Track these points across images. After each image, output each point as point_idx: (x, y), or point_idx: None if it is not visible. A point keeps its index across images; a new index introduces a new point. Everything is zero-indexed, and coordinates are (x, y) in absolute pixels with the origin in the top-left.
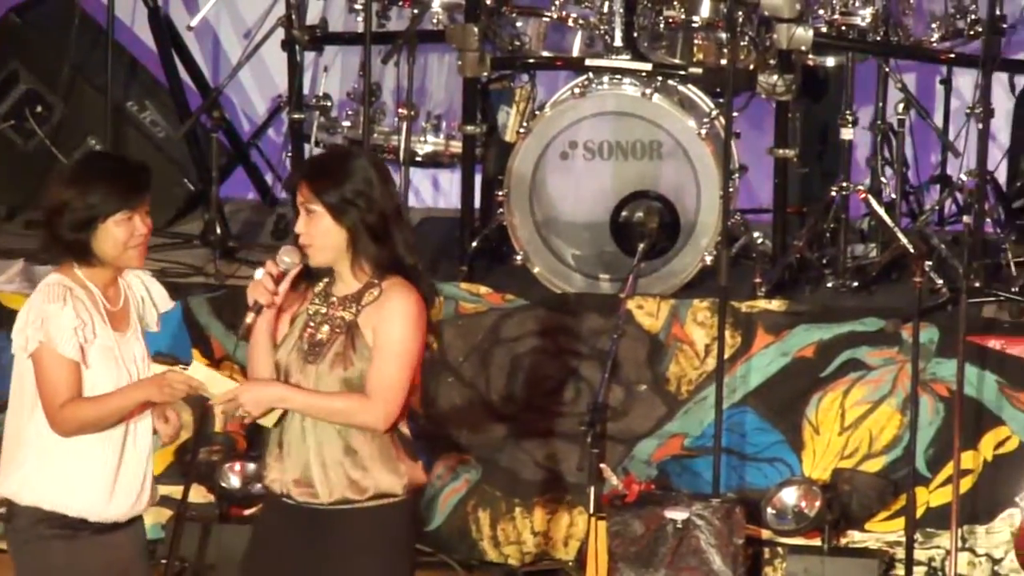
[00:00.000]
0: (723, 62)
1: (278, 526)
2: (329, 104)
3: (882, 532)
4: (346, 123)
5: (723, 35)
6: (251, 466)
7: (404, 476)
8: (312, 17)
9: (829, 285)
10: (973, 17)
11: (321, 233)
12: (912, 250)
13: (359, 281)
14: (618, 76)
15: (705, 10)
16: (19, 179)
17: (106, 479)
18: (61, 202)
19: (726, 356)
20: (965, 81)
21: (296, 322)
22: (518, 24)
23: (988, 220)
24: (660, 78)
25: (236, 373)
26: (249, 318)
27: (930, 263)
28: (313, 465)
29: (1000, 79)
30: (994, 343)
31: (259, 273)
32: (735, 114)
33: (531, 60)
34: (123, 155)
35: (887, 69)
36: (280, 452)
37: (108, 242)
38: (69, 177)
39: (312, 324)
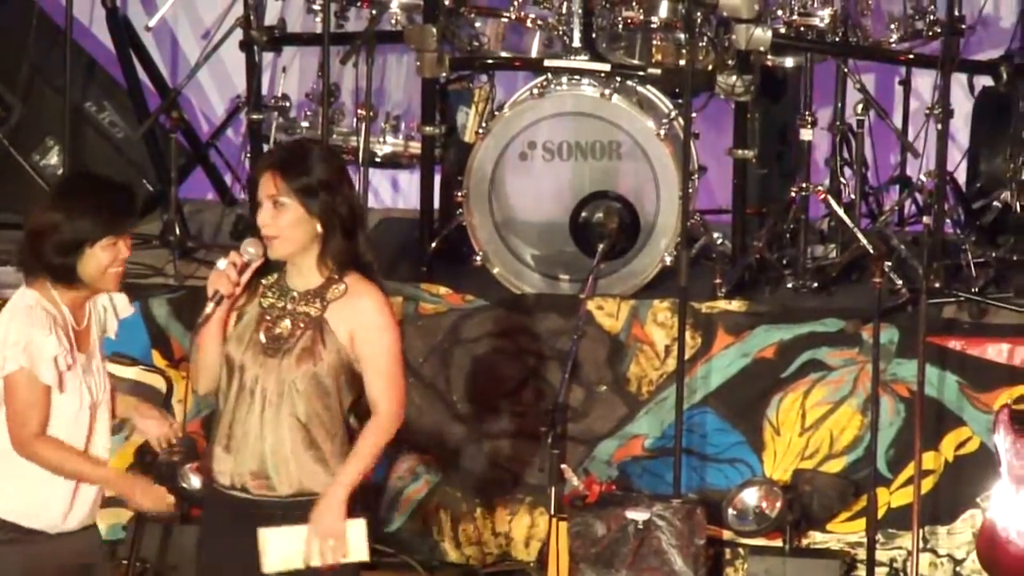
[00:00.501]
0: (682, 63)
1: (227, 520)
2: (288, 104)
3: (843, 533)
4: (305, 124)
5: (681, 36)
6: None
7: None
8: (271, 18)
9: (789, 286)
10: (932, 18)
11: (289, 224)
12: (872, 251)
13: (320, 276)
14: (577, 77)
15: (663, 11)
16: None
17: (66, 497)
18: (49, 225)
19: (686, 357)
20: (924, 82)
21: (245, 316)
22: (476, 25)
23: (948, 221)
24: (619, 79)
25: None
26: (209, 308)
27: (890, 264)
28: (271, 458)
29: (959, 80)
30: (954, 344)
31: (221, 263)
32: (694, 115)
33: (490, 61)
34: (109, 177)
35: (846, 70)
36: (230, 444)
37: (92, 265)
38: (56, 199)
39: (268, 318)
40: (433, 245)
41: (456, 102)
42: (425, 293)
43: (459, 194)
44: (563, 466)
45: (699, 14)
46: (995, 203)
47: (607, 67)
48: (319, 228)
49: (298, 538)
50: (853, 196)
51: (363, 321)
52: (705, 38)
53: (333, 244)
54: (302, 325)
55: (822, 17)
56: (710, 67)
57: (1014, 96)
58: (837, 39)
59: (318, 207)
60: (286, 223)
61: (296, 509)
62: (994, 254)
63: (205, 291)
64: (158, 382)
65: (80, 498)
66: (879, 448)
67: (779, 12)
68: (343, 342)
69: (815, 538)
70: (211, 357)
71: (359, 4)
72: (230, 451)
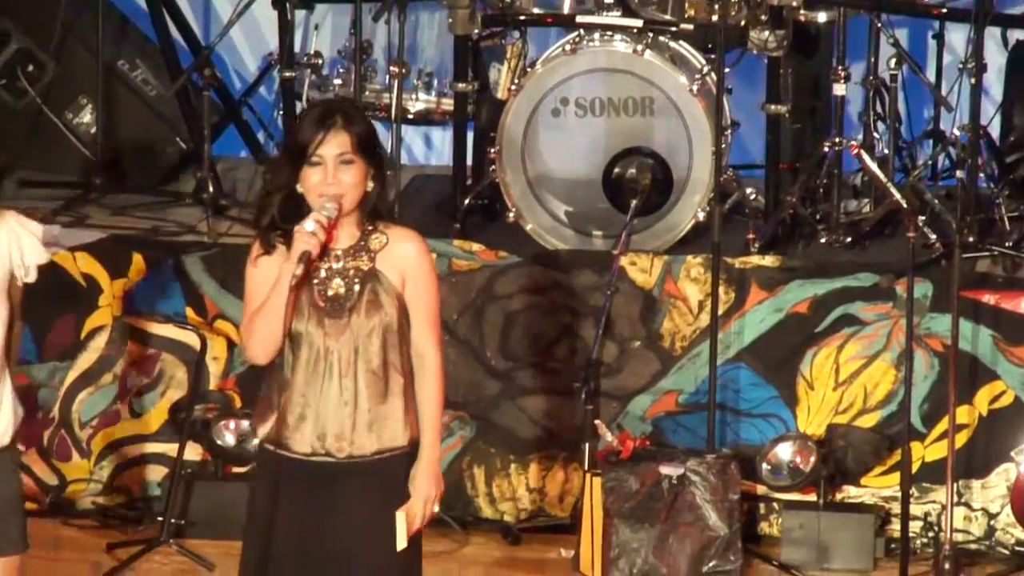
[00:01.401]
0: (714, 18)
1: (305, 487)
2: (320, 62)
3: (877, 487)
4: (337, 81)
5: None
6: (245, 424)
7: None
8: None
9: (822, 241)
10: None
11: (356, 181)
12: (905, 205)
13: (358, 230)
14: (609, 32)
15: None
16: (10, 138)
17: None
18: None
19: (720, 312)
20: (958, 36)
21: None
22: None
23: (981, 175)
24: (651, 34)
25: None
26: (299, 269)
27: (923, 218)
28: (354, 417)
29: (993, 33)
30: (988, 298)
31: (309, 225)
32: (727, 70)
33: (522, 17)
34: None
35: (879, 24)
36: (306, 411)
37: None
38: None
39: (316, 281)
40: (466, 202)
41: (489, 58)
42: (458, 250)
43: (492, 151)
44: (597, 422)
45: None
46: None
47: (640, 23)
48: (371, 183)
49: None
50: (886, 151)
51: (412, 265)
52: None
53: (378, 196)
54: (357, 280)
55: None
56: (743, 22)
57: None
58: None
59: (374, 161)
60: (354, 180)
61: (382, 466)
62: None
63: (239, 248)
64: (192, 339)
65: None
66: (913, 402)
67: None
68: (398, 289)
69: (849, 492)
70: (281, 326)
71: None
72: (307, 419)
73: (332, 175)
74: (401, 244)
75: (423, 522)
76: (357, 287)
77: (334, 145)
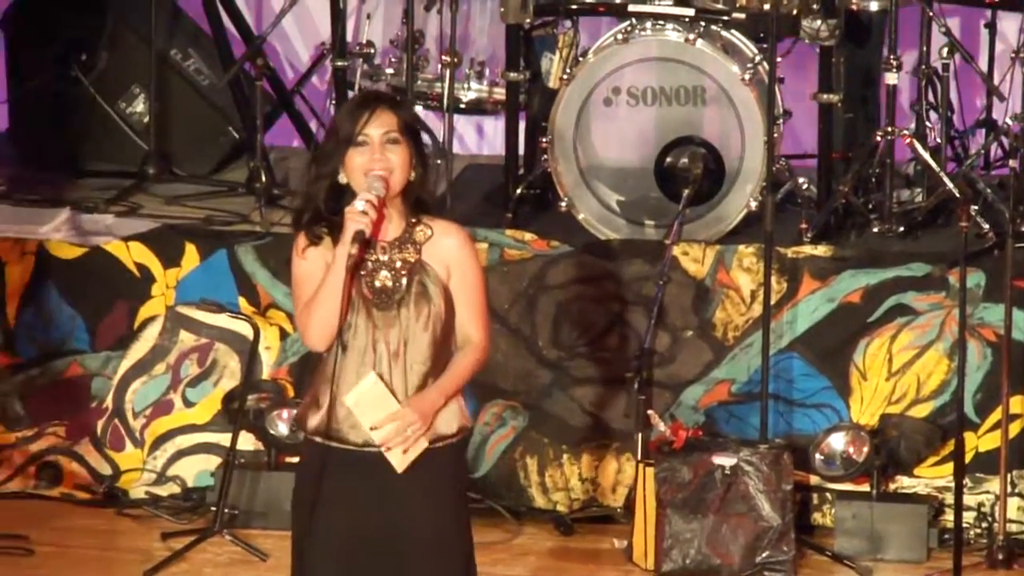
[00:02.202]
0: (766, 7)
1: (355, 478)
2: (372, 51)
3: (931, 478)
4: (389, 70)
5: None
6: None
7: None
8: None
9: (875, 230)
10: None
11: (401, 162)
12: (958, 195)
13: (401, 222)
14: (661, 22)
15: None
16: (64, 128)
17: None
18: None
19: (772, 302)
20: (1010, 24)
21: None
22: None
23: None
24: (703, 23)
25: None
26: (355, 249)
27: (976, 207)
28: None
29: None
30: None
31: (359, 204)
32: (779, 59)
33: (574, 6)
34: None
35: (931, 13)
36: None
37: None
38: None
39: (363, 273)
40: (518, 191)
41: (540, 48)
42: (510, 239)
43: (544, 140)
44: (649, 412)
45: None
46: None
47: (691, 12)
48: (416, 168)
49: (386, 407)
50: (939, 140)
51: (457, 258)
52: None
53: (422, 185)
54: (404, 272)
55: None
56: (795, 11)
57: None
58: None
59: (417, 148)
60: (400, 160)
61: (434, 456)
62: None
63: (290, 238)
64: (245, 329)
65: None
66: (966, 392)
67: None
68: (444, 281)
69: (902, 483)
70: (337, 311)
71: None
72: (351, 414)
73: (379, 152)
74: (445, 237)
75: (382, 442)
76: (405, 279)
77: (380, 124)
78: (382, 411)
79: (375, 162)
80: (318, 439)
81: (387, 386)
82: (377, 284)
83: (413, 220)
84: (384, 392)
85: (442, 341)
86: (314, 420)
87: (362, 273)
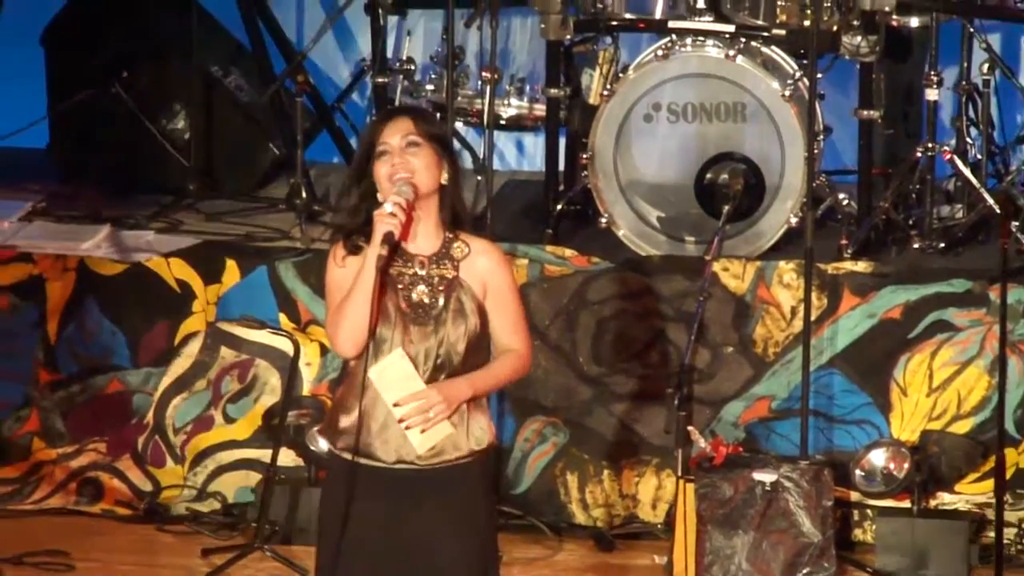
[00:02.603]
0: (807, 23)
1: (382, 495)
2: (412, 68)
3: (971, 494)
4: (430, 87)
5: None
6: None
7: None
8: None
9: (915, 246)
10: None
11: (423, 166)
12: (998, 210)
13: (438, 237)
14: (701, 38)
15: None
16: (105, 145)
17: None
18: None
19: (813, 318)
20: None
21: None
22: None
23: None
24: (743, 39)
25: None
26: (384, 250)
27: (1017, 223)
28: (441, 426)
29: None
30: None
31: (388, 206)
32: (819, 75)
33: (614, 23)
34: None
35: (971, 29)
36: (389, 419)
37: None
38: None
39: (400, 286)
40: (558, 207)
41: (581, 64)
42: (551, 255)
43: (584, 156)
44: (690, 428)
45: None
46: None
47: (731, 28)
48: (445, 177)
49: (410, 386)
50: (979, 156)
51: (494, 275)
52: None
53: (454, 198)
54: (441, 288)
55: None
56: (835, 27)
57: None
58: None
59: (446, 154)
60: (421, 163)
61: (465, 471)
62: None
63: (328, 255)
64: (285, 345)
65: None
66: (1007, 409)
67: None
68: (480, 298)
69: (943, 499)
70: (367, 314)
71: None
72: (390, 427)
73: (399, 157)
74: (482, 255)
75: (404, 418)
76: (443, 296)
77: (397, 130)
78: (405, 389)
79: (396, 167)
80: (347, 456)
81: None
82: (414, 298)
83: (450, 235)
84: (410, 370)
85: (475, 358)
86: (343, 435)
87: (399, 286)
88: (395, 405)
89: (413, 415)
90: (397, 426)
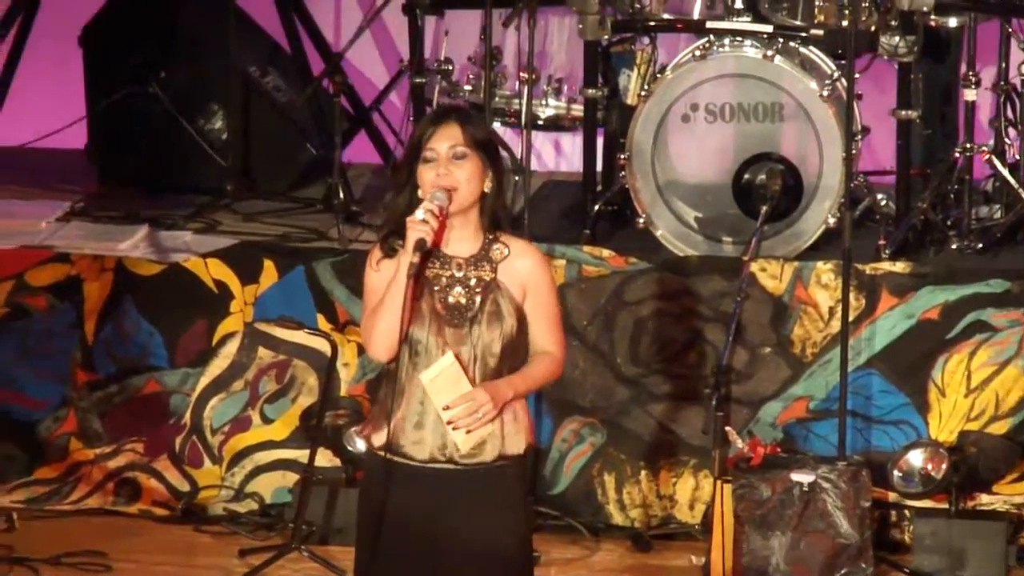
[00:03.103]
0: (845, 23)
1: (419, 493)
2: (450, 68)
3: (1010, 494)
4: (467, 87)
5: None
6: None
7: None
8: None
9: (954, 247)
10: None
11: (469, 177)
12: None
13: (477, 239)
14: (739, 38)
15: None
16: (143, 145)
17: None
18: None
19: (851, 318)
20: None
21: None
22: None
23: None
24: (781, 40)
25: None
26: (416, 257)
27: None
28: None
29: None
30: None
31: (419, 213)
32: (857, 76)
33: (652, 23)
34: None
35: (1010, 29)
36: (424, 419)
37: None
38: None
39: (437, 288)
40: (596, 208)
41: (618, 64)
42: (588, 256)
43: (622, 157)
44: (727, 428)
45: None
46: None
47: (769, 28)
48: (489, 184)
49: (459, 388)
50: (1017, 156)
51: (532, 278)
52: None
53: (497, 202)
54: (478, 290)
55: None
56: (873, 28)
57: None
58: None
59: (491, 161)
60: (466, 175)
61: (501, 473)
62: None
63: (365, 256)
64: (323, 345)
65: None
66: None
67: None
68: (519, 301)
69: (981, 500)
70: (399, 319)
71: None
72: (425, 426)
73: (444, 167)
74: (522, 258)
75: (453, 418)
76: (479, 297)
77: (446, 138)
78: (454, 392)
79: (441, 177)
80: (381, 454)
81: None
82: (451, 300)
83: (490, 237)
84: (459, 373)
85: (512, 360)
86: (379, 436)
87: (436, 288)
88: (445, 408)
89: (462, 416)
90: (431, 426)
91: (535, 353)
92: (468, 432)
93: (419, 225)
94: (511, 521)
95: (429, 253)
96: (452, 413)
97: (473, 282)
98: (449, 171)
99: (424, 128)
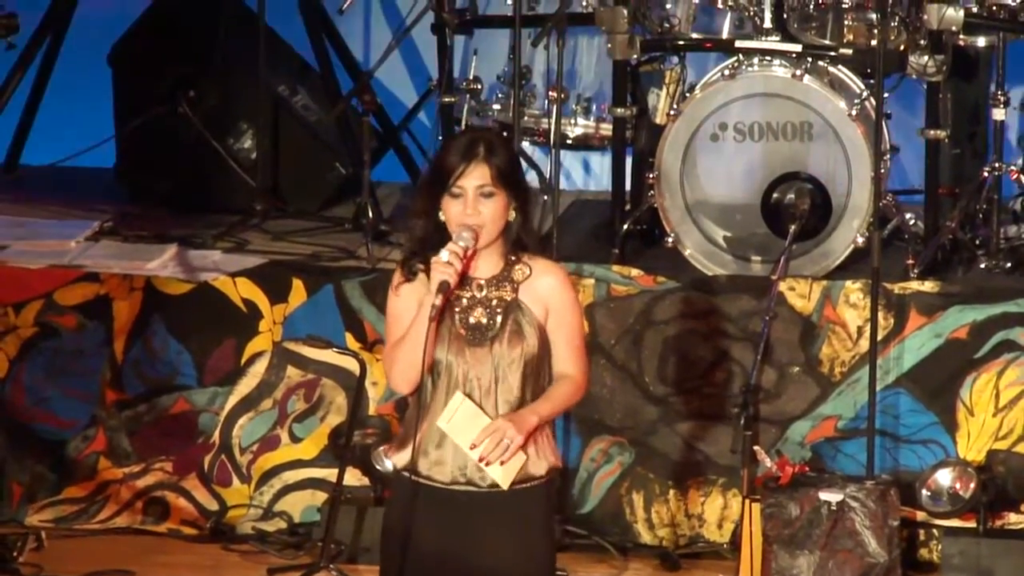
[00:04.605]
0: (873, 43)
1: (441, 515)
2: (479, 87)
3: None
4: (496, 106)
5: (873, 16)
6: None
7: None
8: (462, 0)
9: (982, 266)
10: None
11: (497, 216)
12: None
13: (499, 263)
14: (768, 57)
15: None
16: (172, 164)
17: None
18: None
19: (879, 338)
20: None
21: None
22: (667, 6)
23: None
24: (810, 59)
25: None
26: (438, 299)
27: None
28: (518, 456)
29: None
30: None
31: (444, 255)
32: (886, 95)
33: (681, 42)
34: None
35: None
36: (444, 440)
37: None
38: None
39: (458, 310)
40: (624, 227)
41: (647, 84)
42: (617, 275)
43: (650, 176)
44: (756, 448)
45: None
46: None
47: (798, 48)
48: (513, 213)
49: (478, 424)
50: None
51: (555, 298)
52: (897, 18)
53: (522, 227)
54: (499, 311)
55: None
56: (902, 47)
57: None
58: None
59: (516, 192)
60: (493, 213)
61: (523, 496)
62: None
63: (392, 275)
64: (351, 364)
65: None
66: None
67: None
68: (541, 320)
69: (1009, 519)
70: (420, 357)
71: None
72: (446, 447)
73: (472, 206)
74: (544, 277)
75: (482, 454)
76: (500, 317)
77: (475, 177)
78: (475, 429)
79: (467, 216)
80: (406, 474)
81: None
82: (472, 321)
83: (513, 258)
84: (474, 409)
85: (534, 380)
86: (403, 457)
87: (457, 310)
88: (472, 448)
89: (491, 449)
90: (451, 447)
91: (557, 375)
92: (502, 464)
93: (443, 267)
94: (533, 543)
95: (451, 295)
96: (479, 451)
97: (494, 302)
98: (476, 211)
99: (452, 163)
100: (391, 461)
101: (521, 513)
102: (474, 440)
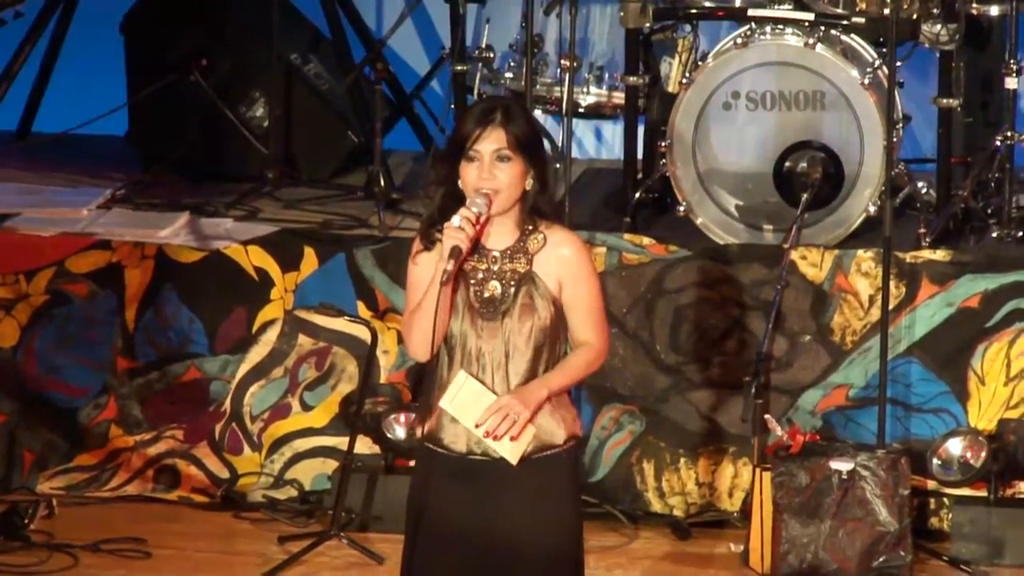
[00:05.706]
0: (886, 11)
1: (460, 483)
2: (492, 56)
3: None
4: (509, 75)
5: None
6: (415, 417)
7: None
8: None
9: (994, 235)
10: None
11: (513, 181)
12: None
13: (515, 233)
14: (780, 26)
15: None
16: (184, 132)
17: None
18: None
19: (891, 307)
20: None
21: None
22: None
23: None
24: (823, 28)
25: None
26: (450, 264)
27: None
28: (527, 431)
29: None
30: None
31: (456, 220)
32: (898, 64)
33: (693, 10)
34: None
35: None
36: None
37: None
38: None
39: (473, 282)
40: (637, 196)
41: (660, 52)
42: (629, 243)
43: (663, 144)
44: (767, 416)
45: None
46: None
47: (811, 16)
48: (531, 181)
49: (483, 402)
50: None
51: (570, 268)
52: None
53: (539, 196)
54: (513, 283)
55: None
56: (915, 16)
57: None
58: None
59: (534, 161)
60: (508, 179)
61: (540, 465)
62: None
63: (409, 242)
64: (363, 333)
65: None
66: None
67: None
68: (554, 292)
69: (1020, 488)
70: (442, 319)
71: None
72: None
73: (487, 170)
74: (559, 247)
75: (488, 431)
76: (513, 290)
77: (491, 141)
78: (480, 407)
79: (483, 180)
80: (427, 444)
81: (482, 384)
82: (486, 294)
83: (529, 227)
84: (478, 387)
85: (547, 353)
86: (423, 427)
87: (472, 282)
88: (476, 426)
89: (497, 425)
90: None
91: (575, 343)
92: (512, 440)
93: (455, 232)
94: (555, 512)
95: (464, 260)
96: (485, 427)
97: (508, 275)
98: (492, 175)
99: (469, 128)
100: (417, 431)
101: (542, 483)
102: (479, 419)
